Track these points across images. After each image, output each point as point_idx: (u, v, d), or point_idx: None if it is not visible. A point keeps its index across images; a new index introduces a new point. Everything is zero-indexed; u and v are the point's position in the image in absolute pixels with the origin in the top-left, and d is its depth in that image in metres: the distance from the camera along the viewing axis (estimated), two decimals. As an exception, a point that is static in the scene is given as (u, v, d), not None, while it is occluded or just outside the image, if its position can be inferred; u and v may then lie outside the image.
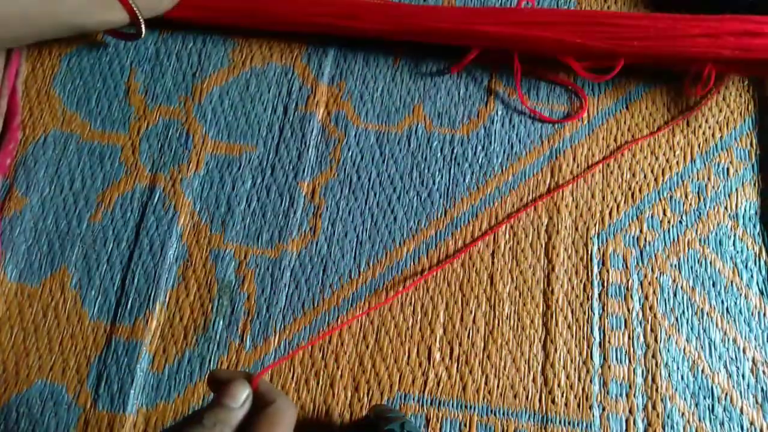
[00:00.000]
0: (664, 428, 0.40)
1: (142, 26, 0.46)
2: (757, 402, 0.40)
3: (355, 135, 0.48)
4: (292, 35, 0.50)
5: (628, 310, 0.42)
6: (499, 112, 0.49)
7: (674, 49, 0.45)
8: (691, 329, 0.42)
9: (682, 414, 0.40)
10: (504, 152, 0.47)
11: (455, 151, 0.47)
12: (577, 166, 0.47)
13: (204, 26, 0.50)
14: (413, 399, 0.40)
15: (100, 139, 0.47)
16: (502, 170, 0.47)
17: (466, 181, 0.46)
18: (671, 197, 0.46)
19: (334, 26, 0.48)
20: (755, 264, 0.44)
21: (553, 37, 0.45)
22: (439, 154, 0.47)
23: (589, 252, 0.44)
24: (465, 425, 0.40)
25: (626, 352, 0.41)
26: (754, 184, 0.46)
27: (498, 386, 0.41)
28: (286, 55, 0.50)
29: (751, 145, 0.48)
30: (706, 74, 0.46)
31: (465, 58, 0.48)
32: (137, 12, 0.45)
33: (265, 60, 0.50)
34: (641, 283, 0.43)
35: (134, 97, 0.48)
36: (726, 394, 0.40)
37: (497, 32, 0.46)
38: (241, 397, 0.28)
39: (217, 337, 0.42)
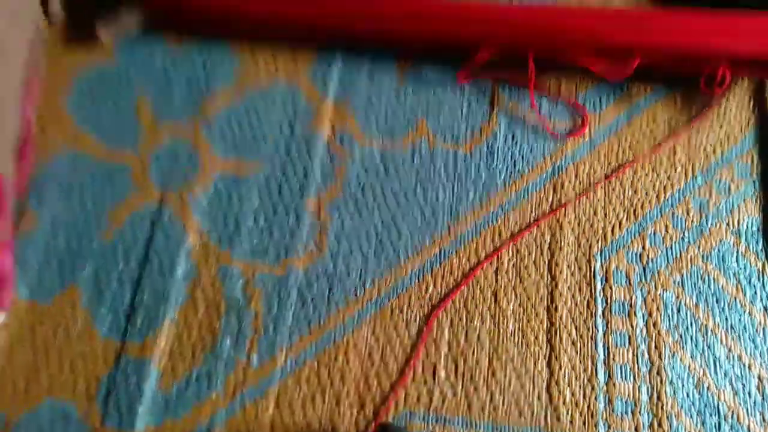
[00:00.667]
0: (669, 445, 0.40)
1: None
2: (764, 419, 0.40)
3: (360, 153, 0.48)
4: (297, 52, 0.51)
5: (632, 326, 0.43)
6: (502, 129, 0.49)
7: (689, 45, 0.45)
8: (696, 346, 0.42)
9: None
10: (507, 169, 0.48)
11: (459, 168, 0.48)
12: (579, 183, 0.47)
13: (210, 40, 0.51)
14: (419, 417, 0.41)
15: (110, 158, 0.48)
16: (505, 187, 0.47)
17: (470, 198, 0.47)
18: (673, 214, 0.46)
19: (343, 24, 0.49)
20: (759, 280, 0.44)
21: (571, 26, 0.45)
22: (442, 171, 0.48)
23: (592, 269, 0.44)
24: (470, 442, 0.40)
25: (631, 369, 0.41)
26: (756, 200, 0.47)
27: (503, 404, 0.41)
28: (292, 75, 0.51)
29: (752, 161, 0.48)
30: (720, 75, 0.45)
31: (473, 62, 0.48)
32: None
33: (272, 80, 0.51)
34: (645, 300, 0.43)
35: (143, 116, 0.49)
36: (732, 411, 0.40)
37: (515, 20, 0.46)
38: None
39: (225, 355, 0.42)
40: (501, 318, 0.43)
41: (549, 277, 0.44)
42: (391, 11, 0.48)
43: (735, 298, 0.44)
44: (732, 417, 0.40)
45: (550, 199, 0.47)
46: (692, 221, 0.46)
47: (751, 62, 0.45)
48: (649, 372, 0.41)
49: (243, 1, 0.50)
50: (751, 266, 0.45)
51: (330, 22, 0.49)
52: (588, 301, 0.43)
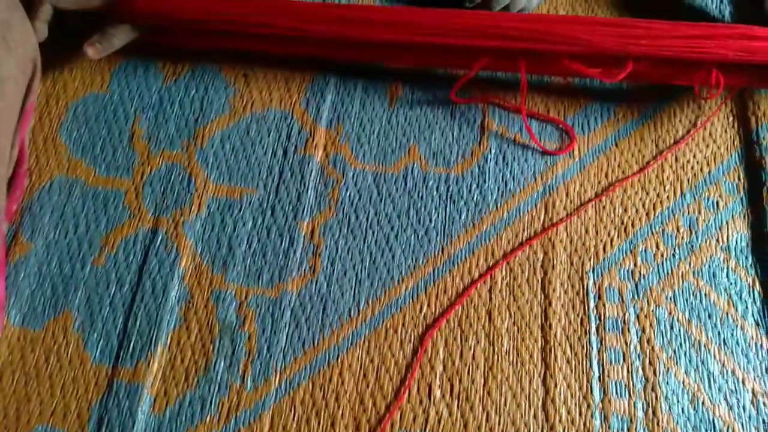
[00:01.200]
0: (667, 463, 0.39)
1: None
2: (759, 434, 0.40)
3: (353, 176, 0.49)
4: (290, 81, 0.52)
5: (626, 343, 0.43)
6: (493, 151, 0.50)
7: (679, 49, 0.46)
8: (690, 362, 0.42)
9: (685, 448, 0.40)
10: (498, 189, 0.48)
11: (450, 189, 0.48)
12: (570, 202, 0.48)
13: (204, 69, 0.52)
14: (415, 437, 0.40)
15: (104, 184, 0.48)
16: (497, 207, 0.48)
17: (462, 218, 0.47)
18: (663, 231, 0.47)
19: (333, 33, 0.49)
20: (749, 295, 0.45)
21: (564, 33, 0.46)
22: (434, 192, 0.48)
23: (585, 286, 0.45)
24: (467, 464, 0.40)
25: (626, 385, 0.41)
26: (744, 217, 0.48)
27: (499, 423, 0.41)
28: (285, 100, 0.52)
29: (739, 179, 0.49)
30: (714, 80, 0.47)
31: (465, 76, 0.49)
32: None
33: (265, 105, 0.52)
34: (638, 317, 0.44)
35: (138, 143, 0.50)
36: (728, 426, 0.40)
37: (507, 29, 0.47)
38: None
39: (218, 378, 0.42)
40: (495, 337, 0.43)
41: (542, 295, 0.45)
42: (379, 17, 0.49)
43: (727, 313, 0.44)
44: (728, 433, 0.40)
45: (542, 218, 0.47)
46: (682, 238, 0.47)
47: (741, 66, 0.47)
48: (644, 388, 0.41)
49: (233, 16, 0.50)
50: (741, 281, 0.45)
51: (319, 29, 0.49)
52: (582, 319, 0.44)
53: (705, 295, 0.45)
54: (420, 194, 0.48)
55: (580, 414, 0.41)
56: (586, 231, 0.47)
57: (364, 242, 0.46)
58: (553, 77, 0.53)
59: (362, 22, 0.49)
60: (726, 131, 0.51)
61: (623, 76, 0.46)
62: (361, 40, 0.49)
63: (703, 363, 0.42)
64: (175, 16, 0.49)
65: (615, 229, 0.47)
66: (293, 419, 0.41)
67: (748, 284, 0.45)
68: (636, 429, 0.40)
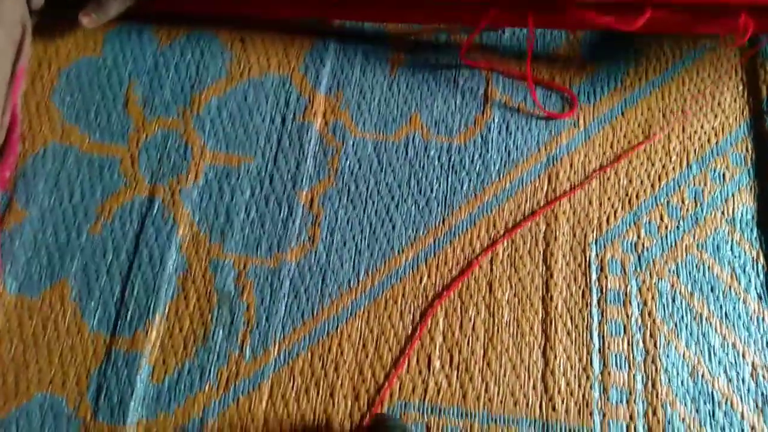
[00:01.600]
0: (665, 434, 0.40)
1: None
2: (757, 406, 0.40)
3: (353, 144, 0.48)
4: (288, 46, 0.51)
5: (627, 316, 0.43)
6: (496, 120, 0.49)
7: None
8: (690, 334, 0.42)
9: (683, 419, 0.40)
10: (501, 160, 0.47)
11: (452, 159, 0.47)
12: (575, 173, 0.47)
13: (200, 33, 0.51)
14: (414, 407, 0.40)
15: (99, 151, 0.47)
16: (499, 178, 0.47)
17: (464, 189, 0.46)
18: (668, 203, 0.46)
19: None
20: (753, 269, 0.44)
21: None
22: (436, 162, 0.47)
23: (587, 258, 0.44)
24: (466, 433, 0.40)
25: (626, 358, 0.41)
26: (751, 189, 0.47)
27: (498, 394, 0.41)
28: (283, 66, 0.51)
29: (747, 150, 0.48)
30: (742, 25, 0.43)
31: (473, 33, 0.48)
32: None
33: (263, 71, 0.50)
34: (640, 289, 0.43)
35: (133, 109, 0.49)
36: (726, 398, 0.40)
37: None
38: None
39: (217, 347, 0.42)
40: (496, 308, 0.43)
41: (544, 267, 0.44)
42: None
43: (730, 287, 0.44)
44: (726, 404, 0.40)
45: (545, 189, 0.46)
46: (687, 210, 0.46)
47: None
48: (644, 361, 0.41)
49: None
50: (745, 255, 0.45)
51: None
52: (583, 291, 0.43)
53: (708, 268, 0.44)
54: (421, 164, 0.47)
55: (580, 386, 0.41)
56: (590, 202, 0.46)
57: (364, 212, 0.46)
58: (559, 45, 0.51)
59: None
60: (735, 101, 0.50)
61: (641, 23, 0.42)
62: None
63: (704, 336, 0.42)
64: None
65: (619, 200, 0.46)
66: (292, 389, 0.41)
67: (752, 257, 0.45)
68: (635, 401, 0.40)
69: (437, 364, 0.41)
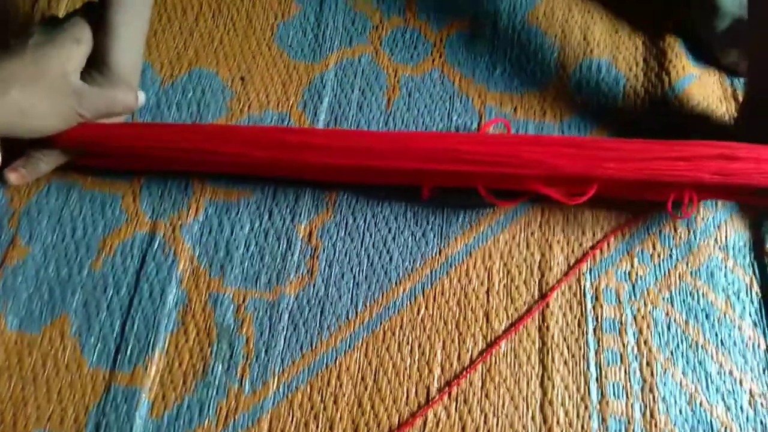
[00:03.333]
0: (665, 464, 0.39)
1: None
2: (757, 435, 0.40)
3: (350, 178, 0.49)
4: (287, 86, 0.53)
5: (624, 344, 0.43)
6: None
7: (651, 172, 0.42)
8: (687, 362, 0.42)
9: (683, 449, 0.40)
10: (496, 191, 0.48)
11: (448, 191, 0.48)
12: (567, 206, 0.48)
13: (200, 66, 0.52)
14: (413, 440, 0.40)
15: (101, 187, 0.48)
16: (494, 209, 0.48)
17: (459, 220, 0.47)
18: (660, 231, 0.47)
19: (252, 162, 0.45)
20: (747, 295, 0.45)
21: (526, 157, 0.42)
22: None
23: (582, 288, 0.45)
24: (465, 466, 0.40)
25: (623, 387, 0.41)
26: (742, 216, 0.47)
27: (497, 425, 0.41)
28: (282, 103, 0.52)
29: (736, 178, 0.49)
30: (687, 200, 0.43)
31: (422, 193, 0.47)
32: None
33: (263, 107, 0.52)
34: (635, 318, 0.44)
35: (135, 147, 0.50)
36: (725, 427, 0.40)
37: (464, 153, 0.43)
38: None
39: (216, 381, 0.42)
40: (493, 339, 0.43)
41: (540, 296, 0.44)
42: (334, 143, 0.44)
43: (725, 314, 0.44)
44: (726, 433, 0.40)
45: (539, 221, 0.47)
46: (680, 238, 0.47)
47: (717, 187, 0.43)
48: (642, 389, 0.41)
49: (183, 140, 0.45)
50: (739, 281, 0.45)
51: (262, 155, 0.45)
52: (579, 320, 0.44)
53: (703, 295, 0.45)
54: (417, 195, 0.48)
55: (578, 416, 0.41)
56: (583, 233, 0.47)
57: (362, 244, 0.46)
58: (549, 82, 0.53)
59: (308, 147, 0.44)
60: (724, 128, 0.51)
61: (587, 198, 0.43)
62: (307, 164, 0.45)
63: (700, 364, 0.42)
64: (108, 144, 0.45)
65: (612, 230, 0.47)
66: (291, 423, 0.41)
67: (746, 284, 0.45)
68: (634, 430, 0.40)
69: (435, 395, 0.41)
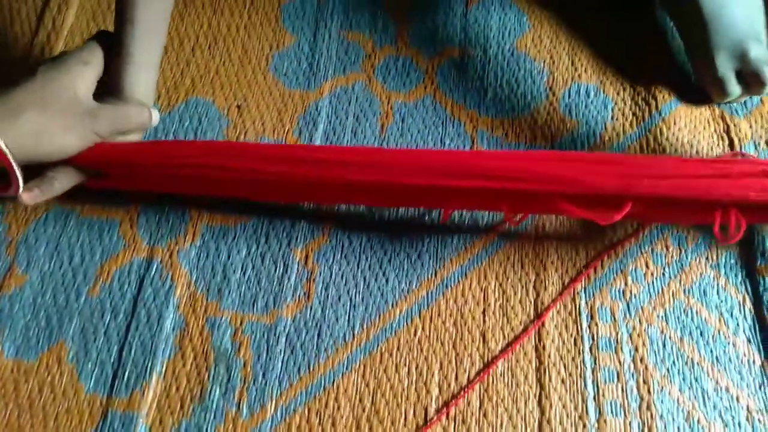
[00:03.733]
0: (665, 483, 0.39)
1: (19, 177, 0.40)
2: (756, 451, 0.40)
3: (346, 202, 0.49)
4: (282, 113, 0.54)
5: (620, 362, 0.43)
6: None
7: (690, 190, 0.39)
8: (683, 379, 0.42)
9: (683, 467, 0.40)
10: (489, 213, 0.49)
11: (442, 213, 0.49)
12: (560, 225, 0.48)
13: (196, 95, 0.53)
14: (412, 462, 0.40)
15: (99, 214, 0.49)
16: (488, 231, 0.48)
17: (454, 241, 0.48)
18: (653, 250, 0.47)
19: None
20: (740, 312, 0.45)
21: (554, 173, 0.40)
22: (426, 216, 0.49)
23: (578, 307, 0.45)
24: (465, 488, 0.39)
25: (621, 404, 0.41)
26: (732, 235, 0.48)
27: (496, 445, 0.40)
28: (278, 130, 0.53)
29: (725, 197, 0.50)
30: (734, 224, 0.39)
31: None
32: (10, 159, 0.39)
33: (258, 135, 0.53)
34: (630, 336, 0.44)
35: (133, 174, 0.50)
36: (724, 444, 0.40)
37: (489, 169, 0.41)
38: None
39: (214, 405, 0.41)
40: (490, 359, 0.43)
41: (535, 316, 0.45)
42: (354, 158, 0.43)
43: (719, 331, 0.44)
44: (726, 451, 0.40)
45: (533, 242, 0.48)
46: (672, 257, 0.47)
47: (764, 206, 0.39)
48: (639, 407, 0.41)
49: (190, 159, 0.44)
50: (732, 299, 0.46)
51: (277, 170, 0.43)
52: (575, 339, 0.44)
53: (696, 312, 0.45)
54: (412, 218, 0.49)
55: (577, 434, 0.41)
56: (577, 253, 0.47)
57: (358, 267, 0.47)
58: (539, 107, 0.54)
59: (325, 162, 0.43)
60: (712, 149, 0.52)
61: (620, 217, 0.40)
62: (325, 180, 0.43)
63: (696, 380, 0.42)
64: (125, 161, 0.44)
65: (605, 249, 0.47)
66: (289, 446, 0.40)
67: (739, 301, 0.46)
68: (632, 448, 0.40)
69: (434, 416, 0.41)
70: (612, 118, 0.54)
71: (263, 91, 0.55)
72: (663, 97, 0.54)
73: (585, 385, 0.42)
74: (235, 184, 0.45)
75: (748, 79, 0.50)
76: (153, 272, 0.46)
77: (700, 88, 0.54)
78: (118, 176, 0.46)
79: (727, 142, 0.52)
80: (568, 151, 0.50)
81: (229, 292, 0.46)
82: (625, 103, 0.54)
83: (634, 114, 0.54)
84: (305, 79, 0.56)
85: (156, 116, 0.46)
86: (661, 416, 0.41)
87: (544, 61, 0.57)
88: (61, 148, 0.42)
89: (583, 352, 0.43)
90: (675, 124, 0.53)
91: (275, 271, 0.47)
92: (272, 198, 0.48)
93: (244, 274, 0.46)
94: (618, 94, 0.55)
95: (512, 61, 0.57)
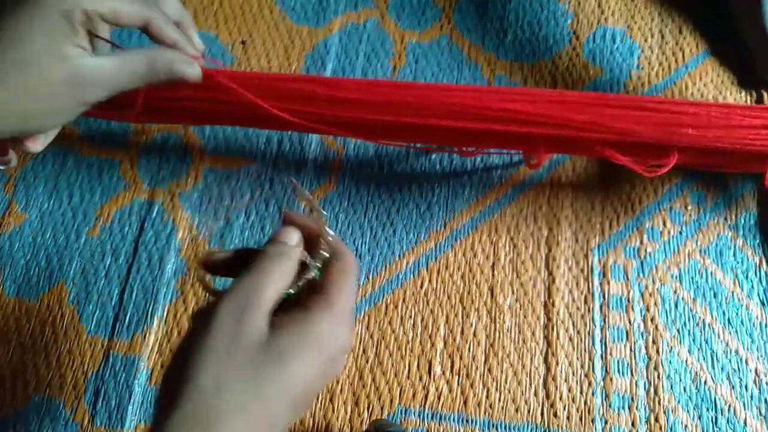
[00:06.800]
0: (667, 441, 0.39)
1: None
2: (760, 413, 0.40)
3: (354, 148, 0.48)
4: (289, 50, 0.51)
5: (630, 321, 0.42)
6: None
7: (735, 141, 0.38)
8: (693, 341, 0.42)
9: (685, 426, 0.40)
10: (503, 163, 0.47)
11: (454, 162, 0.47)
12: (577, 177, 0.47)
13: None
14: (414, 413, 0.40)
15: (98, 153, 0.47)
16: (501, 182, 0.47)
17: (466, 193, 0.46)
18: (671, 208, 0.46)
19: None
20: (755, 275, 0.44)
21: (593, 120, 0.38)
22: (438, 166, 0.47)
23: (590, 264, 0.44)
24: (466, 440, 0.39)
25: (628, 364, 0.41)
26: (753, 195, 0.46)
27: (499, 400, 0.40)
28: (284, 68, 0.50)
29: (750, 155, 0.48)
30: None
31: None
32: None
33: (264, 72, 0.50)
34: (642, 295, 0.43)
35: (133, 112, 0.48)
36: (729, 405, 0.40)
37: (528, 115, 0.38)
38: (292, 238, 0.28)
39: (216, 351, 0.41)
40: (497, 314, 0.42)
41: (546, 272, 0.44)
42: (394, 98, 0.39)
43: (732, 293, 0.43)
44: (729, 411, 0.40)
45: (547, 194, 0.46)
46: (690, 216, 0.46)
47: None
48: (647, 367, 0.41)
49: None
50: (748, 260, 0.44)
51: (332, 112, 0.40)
52: (585, 296, 0.43)
53: (711, 273, 0.44)
54: (423, 167, 0.47)
55: (581, 392, 0.40)
56: (592, 207, 0.46)
57: (365, 216, 0.45)
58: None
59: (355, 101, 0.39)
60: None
61: (668, 169, 0.39)
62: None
63: (706, 342, 0.42)
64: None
65: (622, 205, 0.46)
66: (292, 394, 0.40)
67: (755, 263, 0.44)
68: (637, 407, 0.40)
69: (438, 369, 0.41)
70: (638, 66, 0.51)
71: (269, 25, 0.52)
72: (691, 50, 0.51)
73: (593, 344, 0.42)
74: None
75: None
76: (154, 215, 0.45)
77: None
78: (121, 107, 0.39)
79: (755, 98, 0.49)
80: (612, 95, 0.45)
81: (232, 237, 0.45)
82: (652, 51, 0.51)
83: (660, 64, 0.51)
84: (314, 14, 0.53)
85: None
86: (668, 376, 0.41)
87: (569, 2, 0.53)
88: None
89: (593, 311, 0.43)
90: (700, 79, 0.50)
91: (280, 217, 0.45)
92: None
93: (248, 219, 0.45)
94: (646, 41, 0.52)
95: (535, 2, 0.53)
